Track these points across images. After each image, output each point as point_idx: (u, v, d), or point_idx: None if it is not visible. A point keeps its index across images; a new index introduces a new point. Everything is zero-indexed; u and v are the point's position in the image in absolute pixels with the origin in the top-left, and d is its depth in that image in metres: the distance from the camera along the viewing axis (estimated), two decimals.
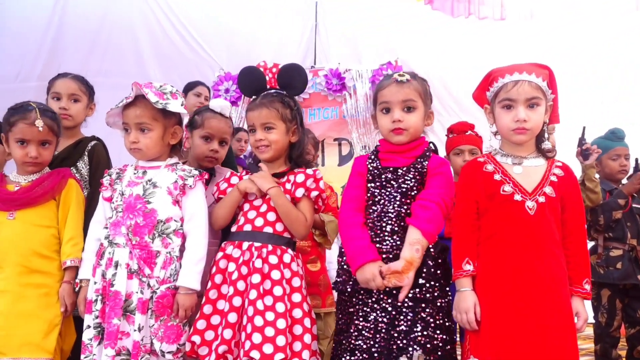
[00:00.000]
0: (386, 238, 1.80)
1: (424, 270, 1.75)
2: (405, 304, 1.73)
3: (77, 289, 1.95)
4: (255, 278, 1.82)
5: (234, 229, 1.97)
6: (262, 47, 5.76)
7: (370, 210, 1.87)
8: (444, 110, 5.38)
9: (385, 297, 1.75)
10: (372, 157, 1.96)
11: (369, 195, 1.89)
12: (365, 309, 1.78)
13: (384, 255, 1.77)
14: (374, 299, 1.77)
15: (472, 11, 4.48)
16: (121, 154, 2.50)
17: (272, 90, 2.04)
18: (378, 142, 2.00)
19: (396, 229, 1.80)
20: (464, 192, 1.82)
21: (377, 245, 1.79)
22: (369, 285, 1.75)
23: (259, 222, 1.92)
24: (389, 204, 1.84)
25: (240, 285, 1.83)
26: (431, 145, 1.99)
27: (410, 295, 1.73)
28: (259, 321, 1.74)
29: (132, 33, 5.84)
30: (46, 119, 2.00)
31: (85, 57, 5.73)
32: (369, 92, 5.44)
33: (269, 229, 1.92)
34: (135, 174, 1.96)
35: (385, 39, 5.60)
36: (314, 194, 1.95)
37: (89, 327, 1.83)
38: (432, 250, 1.78)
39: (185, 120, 2.03)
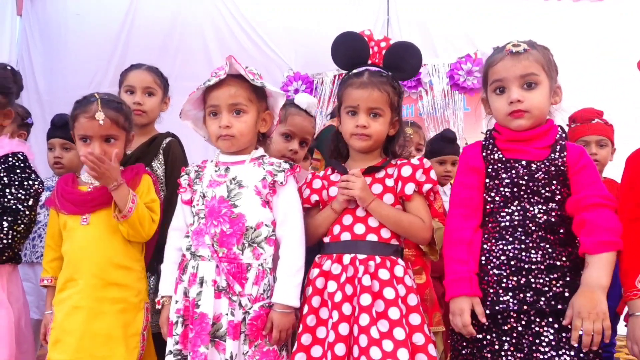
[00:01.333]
0: (533, 247, 1.46)
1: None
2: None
3: (158, 307, 1.69)
4: (365, 299, 1.50)
5: (327, 239, 1.67)
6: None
7: (503, 214, 1.53)
8: None
9: (542, 322, 1.41)
10: (489, 147, 1.61)
11: (492, 194, 1.55)
12: (512, 336, 1.44)
13: (533, 266, 1.44)
14: (524, 323, 1.43)
15: None
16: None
17: (376, 69, 1.71)
18: (494, 128, 1.65)
19: (547, 235, 1.46)
20: (633, 191, 1.45)
21: (523, 254, 1.46)
22: (454, 319, 1.50)
23: (360, 229, 1.61)
24: (529, 206, 1.49)
25: (346, 308, 1.52)
26: (560, 130, 1.63)
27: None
28: (375, 354, 1.43)
29: (200, 36, 5.76)
30: (109, 111, 1.73)
31: (155, 61, 5.65)
32: (447, 88, 5.12)
33: (372, 237, 1.60)
34: (216, 171, 1.68)
35: (461, 29, 5.23)
36: (427, 187, 1.62)
37: (170, 353, 1.57)
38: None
39: (281, 102, 1.73)
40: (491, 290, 1.47)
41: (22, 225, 1.76)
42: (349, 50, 1.75)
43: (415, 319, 1.53)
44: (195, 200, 1.68)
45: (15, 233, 1.74)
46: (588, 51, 4.47)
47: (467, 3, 5.12)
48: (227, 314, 1.52)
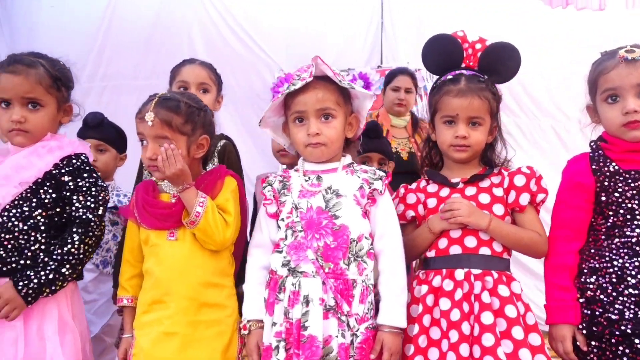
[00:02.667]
0: None
1: None
2: None
3: (245, 332, 1.53)
4: (487, 318, 1.42)
5: (431, 254, 1.57)
6: (325, 46, 5.43)
7: (634, 227, 1.47)
8: (522, 114, 4.98)
9: None
10: (599, 159, 1.54)
11: (614, 208, 1.49)
12: None
13: None
14: None
15: (571, 1, 4.09)
16: None
17: (472, 73, 1.63)
18: (600, 138, 1.60)
19: None
20: None
21: None
22: (556, 345, 1.50)
23: (471, 242, 1.52)
24: None
25: (466, 328, 1.42)
26: None
27: None
28: None
29: (186, 32, 5.56)
30: (161, 111, 1.54)
31: (138, 58, 5.49)
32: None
33: (485, 250, 1.51)
34: (307, 180, 1.56)
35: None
36: (540, 197, 1.55)
37: None
38: None
39: (369, 105, 1.62)
40: (629, 312, 1.41)
41: (94, 238, 1.58)
42: (442, 54, 1.67)
43: (535, 339, 1.45)
44: (284, 212, 1.54)
45: (86, 247, 1.56)
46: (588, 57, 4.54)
47: (463, 7, 5.11)
48: (337, 336, 1.40)
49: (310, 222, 1.49)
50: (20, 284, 1.47)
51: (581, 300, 1.50)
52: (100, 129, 2.28)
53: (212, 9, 5.55)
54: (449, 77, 1.63)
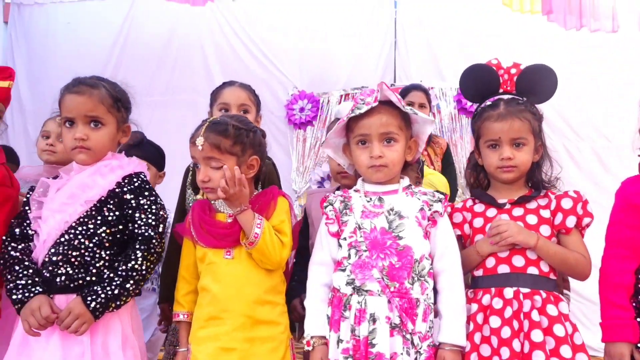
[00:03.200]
0: None
1: None
2: None
3: (308, 348, 1.56)
4: (537, 335, 1.46)
5: (479, 272, 1.61)
6: (339, 64, 5.51)
7: None
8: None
9: None
10: None
11: None
12: None
13: None
14: None
15: (585, 24, 4.17)
16: None
17: (510, 96, 1.69)
18: None
19: None
20: None
21: None
22: None
23: (519, 261, 1.56)
24: None
25: (516, 345, 1.47)
26: None
27: None
28: None
29: (200, 50, 5.62)
30: (211, 134, 1.59)
31: (152, 74, 5.56)
32: (454, 112, 5.18)
33: (533, 270, 1.56)
34: (369, 201, 1.60)
35: (467, 54, 5.29)
36: (586, 221, 1.60)
37: None
38: None
39: (429, 130, 1.66)
40: None
41: (155, 255, 1.61)
42: (479, 82, 1.74)
43: (582, 359, 1.48)
44: (347, 231, 1.58)
45: (148, 263, 1.59)
46: (601, 79, 4.63)
47: (476, 28, 5.19)
48: (402, 353, 1.43)
49: (375, 242, 1.53)
50: (89, 299, 1.50)
51: (638, 319, 1.53)
52: (140, 147, 2.31)
53: (227, 27, 5.62)
54: (488, 103, 1.69)
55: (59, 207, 1.59)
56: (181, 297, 1.70)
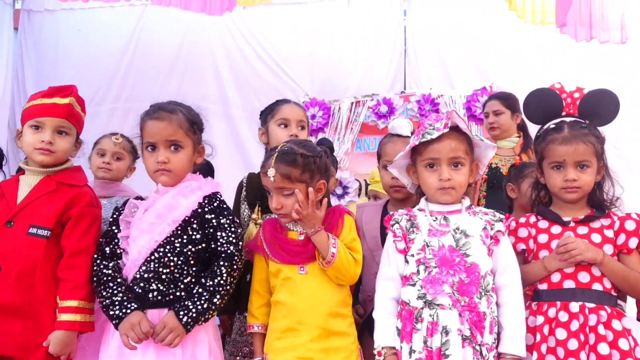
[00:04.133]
0: None
1: None
2: None
3: (379, 358, 1.68)
4: (603, 348, 1.58)
5: (543, 286, 1.74)
6: (349, 71, 5.62)
7: None
8: None
9: None
10: None
11: None
12: None
13: None
14: None
15: (595, 35, 4.33)
16: None
17: (573, 119, 1.81)
18: None
19: None
20: None
21: None
22: None
23: (584, 277, 1.69)
24: None
25: (583, 357, 1.60)
26: None
27: None
28: None
29: (211, 58, 5.70)
30: (280, 166, 1.70)
31: (162, 81, 5.64)
32: (464, 119, 5.27)
33: (598, 286, 1.68)
34: (434, 220, 1.73)
35: (476, 62, 5.45)
36: None
37: None
38: None
39: (491, 154, 1.79)
40: None
41: (237, 270, 1.72)
42: (542, 106, 1.86)
43: None
44: (414, 248, 1.70)
45: (232, 279, 1.70)
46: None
47: (483, 35, 5.30)
48: None
49: (444, 259, 1.65)
50: (181, 313, 1.62)
51: None
52: None
53: (239, 34, 5.71)
54: (552, 125, 1.81)
55: (148, 227, 1.70)
56: (255, 310, 1.80)
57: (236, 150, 5.33)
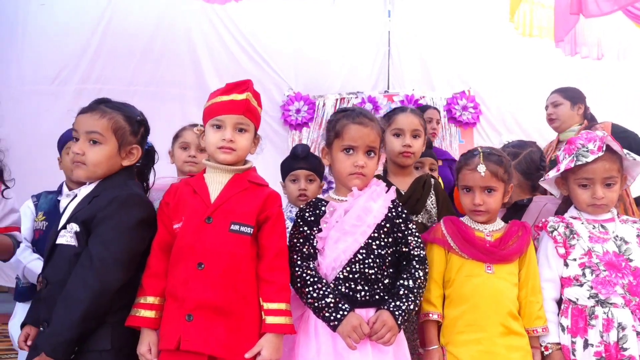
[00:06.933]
0: None
1: None
2: None
3: (547, 352, 1.85)
4: None
5: None
6: (333, 69, 5.70)
7: None
8: None
9: None
10: None
11: None
12: None
13: None
14: None
15: (577, 51, 4.75)
16: None
17: None
18: None
19: None
20: None
21: None
22: None
23: None
24: None
25: None
26: None
27: None
28: None
29: (189, 44, 5.54)
30: (490, 164, 1.88)
31: (136, 64, 5.40)
32: (443, 121, 5.55)
33: None
34: (593, 228, 1.92)
35: (457, 66, 5.73)
36: None
37: None
38: None
39: (637, 173, 1.99)
40: None
41: (427, 273, 1.81)
42: None
43: None
44: (576, 254, 1.89)
45: (426, 282, 1.80)
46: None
47: (465, 41, 5.60)
48: None
49: (611, 264, 1.85)
50: (397, 313, 1.67)
51: None
52: (308, 159, 2.41)
53: (218, 22, 5.59)
54: None
55: (351, 229, 1.72)
56: (435, 299, 1.87)
57: None
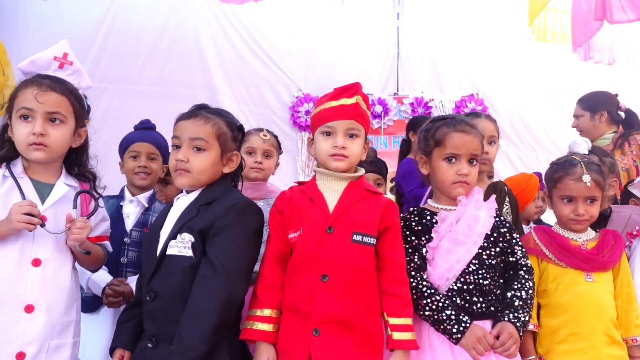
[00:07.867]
0: None
1: None
2: None
3: None
4: None
5: None
6: (342, 71, 5.65)
7: None
8: (522, 146, 5.68)
9: None
10: None
11: None
12: None
13: None
14: None
15: (591, 56, 4.81)
16: None
17: None
18: None
19: None
20: None
21: None
22: None
23: None
24: None
25: None
26: None
27: None
28: None
29: (197, 44, 5.43)
30: (593, 174, 1.88)
31: (143, 63, 5.27)
32: None
33: None
34: None
35: (465, 70, 5.76)
36: None
37: None
38: None
39: None
40: None
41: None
42: None
43: None
44: None
45: (534, 292, 1.79)
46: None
47: (474, 43, 5.62)
48: None
49: None
50: (517, 324, 1.66)
51: None
52: (374, 164, 2.39)
53: (226, 22, 5.50)
54: None
55: (463, 239, 1.70)
56: None
57: None
